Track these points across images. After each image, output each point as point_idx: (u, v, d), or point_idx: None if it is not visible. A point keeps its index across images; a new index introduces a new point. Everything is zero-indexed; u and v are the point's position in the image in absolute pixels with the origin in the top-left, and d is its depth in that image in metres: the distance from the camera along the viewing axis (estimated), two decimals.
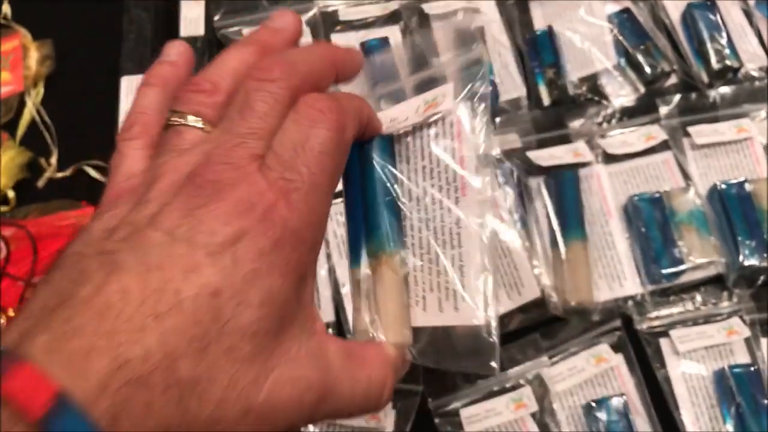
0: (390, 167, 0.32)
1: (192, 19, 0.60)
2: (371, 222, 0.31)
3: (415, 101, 0.34)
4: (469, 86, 0.33)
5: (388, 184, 0.32)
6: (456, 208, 0.31)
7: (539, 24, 0.61)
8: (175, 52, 0.32)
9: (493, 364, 0.29)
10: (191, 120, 0.27)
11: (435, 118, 0.32)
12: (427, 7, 0.62)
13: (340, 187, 0.30)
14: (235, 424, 0.23)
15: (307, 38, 0.61)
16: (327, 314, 0.51)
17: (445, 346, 0.31)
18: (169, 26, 0.61)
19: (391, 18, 0.62)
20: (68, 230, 0.52)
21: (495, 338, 0.29)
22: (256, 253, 0.24)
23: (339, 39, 0.61)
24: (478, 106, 0.32)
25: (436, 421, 0.48)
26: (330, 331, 0.50)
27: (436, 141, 0.32)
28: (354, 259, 0.31)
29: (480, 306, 0.30)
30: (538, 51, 0.59)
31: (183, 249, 0.23)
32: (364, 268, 0.31)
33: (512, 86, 0.59)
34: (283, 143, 0.26)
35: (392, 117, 0.34)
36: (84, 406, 0.21)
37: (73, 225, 0.53)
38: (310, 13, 0.62)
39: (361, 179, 0.31)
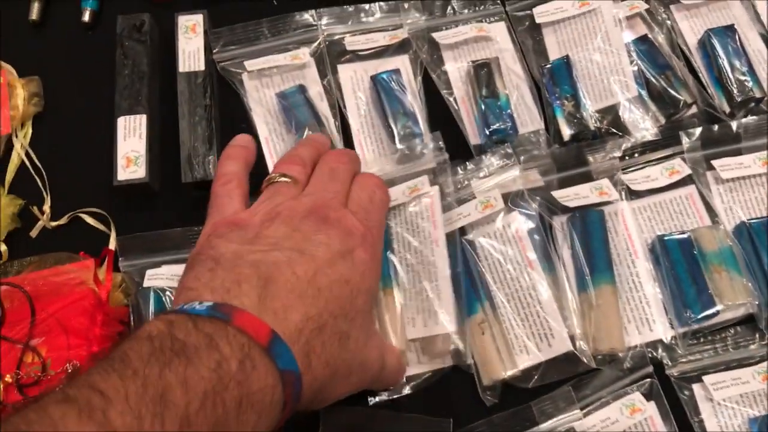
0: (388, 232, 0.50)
1: (190, 52, 0.56)
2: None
3: (402, 186, 0.52)
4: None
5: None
6: (432, 256, 0.50)
7: (553, 52, 0.59)
8: (245, 140, 0.49)
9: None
10: (291, 180, 0.44)
11: (416, 196, 0.52)
12: (437, 36, 0.59)
13: None
14: (354, 367, 0.38)
15: (313, 73, 0.58)
16: None
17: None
18: (167, 60, 0.57)
19: (401, 47, 0.59)
20: (68, 287, 0.49)
21: (460, 342, 0.48)
22: (363, 260, 0.39)
23: (345, 69, 0.58)
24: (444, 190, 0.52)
25: None
26: None
27: (418, 212, 0.52)
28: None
29: (453, 320, 0.48)
30: (555, 82, 0.57)
31: (323, 251, 0.38)
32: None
33: (529, 119, 0.57)
34: (358, 200, 0.44)
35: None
36: (288, 342, 0.33)
37: (73, 280, 0.49)
38: (315, 44, 0.59)
39: None
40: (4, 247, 0.51)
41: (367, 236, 0.41)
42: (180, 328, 0.31)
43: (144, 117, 0.53)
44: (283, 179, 0.43)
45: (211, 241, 0.39)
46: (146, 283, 0.50)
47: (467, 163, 0.54)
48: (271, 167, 0.55)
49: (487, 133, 0.55)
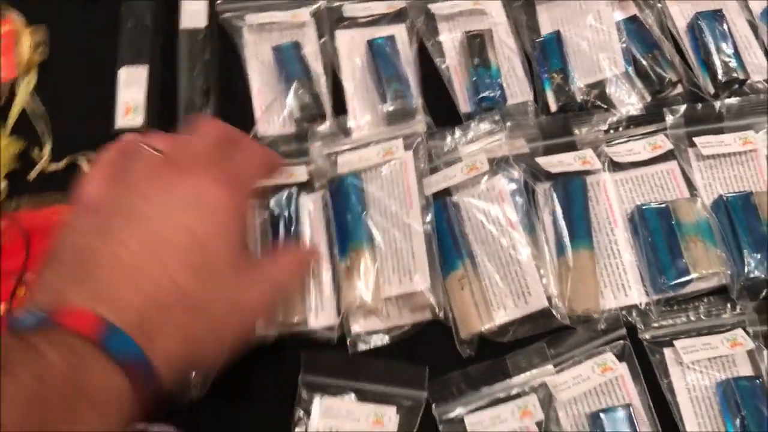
0: (362, 192, 0.53)
1: (193, 10, 0.58)
2: (352, 230, 0.51)
3: (375, 149, 0.54)
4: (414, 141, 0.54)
5: (360, 206, 0.52)
6: (407, 218, 0.52)
7: (546, 28, 0.61)
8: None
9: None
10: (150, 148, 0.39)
11: (390, 159, 0.54)
12: (433, 7, 0.61)
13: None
14: (228, 319, 0.36)
15: (311, 33, 0.60)
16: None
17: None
18: (169, 16, 0.59)
19: (397, 16, 0.61)
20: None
21: (436, 297, 0.49)
22: (211, 204, 0.36)
23: (343, 35, 0.60)
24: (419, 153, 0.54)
25: (441, 428, 0.47)
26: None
27: (391, 175, 0.54)
28: (341, 255, 0.51)
29: (426, 278, 0.49)
30: (545, 56, 0.58)
31: (159, 208, 0.35)
32: (348, 261, 0.50)
33: (519, 90, 0.58)
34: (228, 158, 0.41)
35: (360, 156, 0.54)
36: (126, 329, 0.31)
37: None
38: (315, 6, 0.60)
39: (342, 202, 0.52)
40: (4, 184, 0.52)
41: (219, 178, 0.37)
42: (5, 343, 0.29)
43: (145, 68, 0.55)
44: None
45: (57, 233, 0.36)
46: None
47: (455, 128, 0.56)
48: (259, 116, 0.57)
49: (477, 100, 0.56)
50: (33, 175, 0.54)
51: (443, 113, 0.57)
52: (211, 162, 0.38)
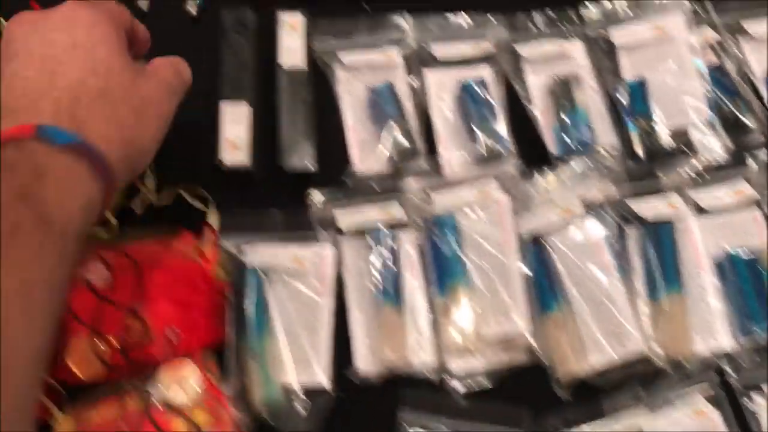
0: (459, 232, 0.55)
1: (291, 49, 0.59)
2: (450, 268, 0.53)
3: (470, 189, 0.56)
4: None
5: (457, 245, 0.54)
6: (504, 258, 0.54)
7: (627, 71, 0.62)
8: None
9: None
10: None
11: (486, 200, 0.56)
12: (520, 49, 0.62)
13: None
14: (138, 104, 0.43)
15: (401, 71, 0.62)
16: None
17: None
18: (267, 52, 0.60)
19: (485, 57, 0.62)
20: (172, 258, 0.52)
21: (534, 339, 0.52)
22: (73, 18, 0.43)
23: (433, 75, 0.62)
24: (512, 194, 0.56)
25: None
26: None
27: (489, 217, 0.55)
28: (440, 293, 0.53)
29: (524, 319, 0.52)
30: (631, 101, 0.60)
31: (52, 30, 0.42)
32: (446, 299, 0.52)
33: (605, 133, 0.60)
34: None
35: (456, 196, 0.56)
36: (55, 123, 0.37)
37: (177, 252, 0.52)
38: (405, 46, 0.62)
39: (440, 241, 0.54)
40: (113, 219, 0.54)
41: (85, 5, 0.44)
42: None
43: (246, 104, 0.57)
44: None
45: None
46: (247, 261, 0.53)
47: (546, 170, 0.57)
48: (355, 154, 0.58)
49: (566, 143, 0.58)
50: (138, 208, 0.55)
51: (532, 154, 0.59)
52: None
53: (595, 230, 0.55)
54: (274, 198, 0.56)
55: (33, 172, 0.35)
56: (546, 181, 0.57)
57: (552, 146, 0.59)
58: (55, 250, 0.35)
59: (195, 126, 0.58)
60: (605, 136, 0.60)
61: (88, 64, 0.41)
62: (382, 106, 0.58)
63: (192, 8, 0.63)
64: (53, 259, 0.35)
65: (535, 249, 0.54)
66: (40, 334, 0.34)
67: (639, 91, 0.60)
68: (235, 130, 0.56)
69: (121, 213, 0.55)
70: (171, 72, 0.47)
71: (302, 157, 0.56)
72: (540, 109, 0.61)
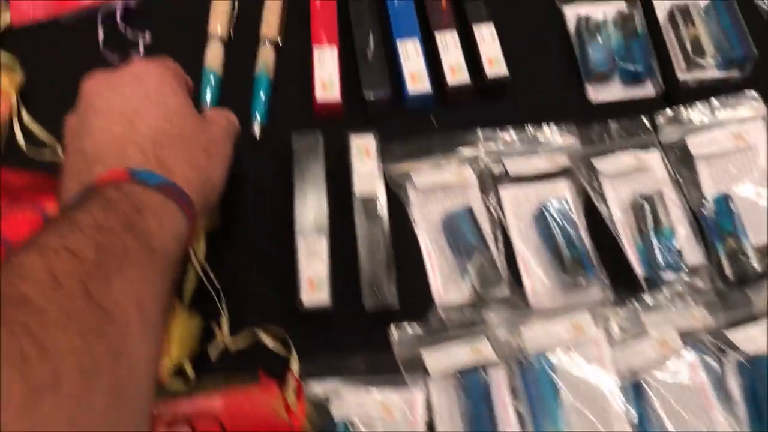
0: (554, 373, 0.52)
1: (365, 175, 0.57)
2: (547, 412, 0.51)
3: (563, 323, 0.54)
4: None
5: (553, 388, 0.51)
6: (604, 402, 0.51)
7: (707, 184, 0.60)
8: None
9: None
10: None
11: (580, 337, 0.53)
12: (597, 163, 0.60)
13: None
14: (206, 144, 0.47)
15: (475, 190, 0.59)
16: None
17: None
18: (340, 177, 0.58)
19: (561, 172, 0.60)
20: (258, 413, 0.49)
21: None
22: (142, 77, 0.48)
23: (508, 192, 0.60)
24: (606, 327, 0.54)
25: None
26: None
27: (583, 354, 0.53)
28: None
29: None
30: (716, 218, 0.58)
31: (120, 96, 0.46)
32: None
33: (691, 252, 0.58)
34: None
35: (547, 332, 0.53)
36: (146, 168, 0.43)
37: (262, 406, 0.50)
38: (478, 164, 0.60)
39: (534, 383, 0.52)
40: (190, 369, 0.51)
41: (150, 61, 0.49)
42: (85, 198, 0.40)
43: (324, 239, 0.54)
44: None
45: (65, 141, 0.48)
46: (333, 412, 0.50)
47: (637, 298, 0.55)
48: (435, 285, 0.56)
49: (653, 265, 0.56)
50: (214, 354, 0.53)
51: (618, 276, 0.56)
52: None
53: (694, 365, 0.52)
54: (355, 338, 0.54)
55: (133, 208, 0.40)
56: (637, 309, 0.55)
57: (638, 268, 0.57)
58: (158, 271, 0.39)
59: (270, 263, 0.56)
60: (693, 256, 0.58)
61: (162, 112, 0.45)
62: (461, 231, 0.56)
63: (257, 129, 0.60)
64: (158, 279, 0.39)
65: (634, 390, 0.52)
66: (153, 345, 0.38)
67: (724, 207, 0.58)
68: (313, 268, 0.54)
69: (197, 359, 0.53)
70: (226, 119, 0.52)
71: (384, 294, 0.54)
72: (622, 227, 0.59)
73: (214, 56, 0.63)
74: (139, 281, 0.37)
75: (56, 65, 0.64)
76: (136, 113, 0.45)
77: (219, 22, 0.64)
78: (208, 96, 0.61)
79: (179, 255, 0.43)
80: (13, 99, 0.61)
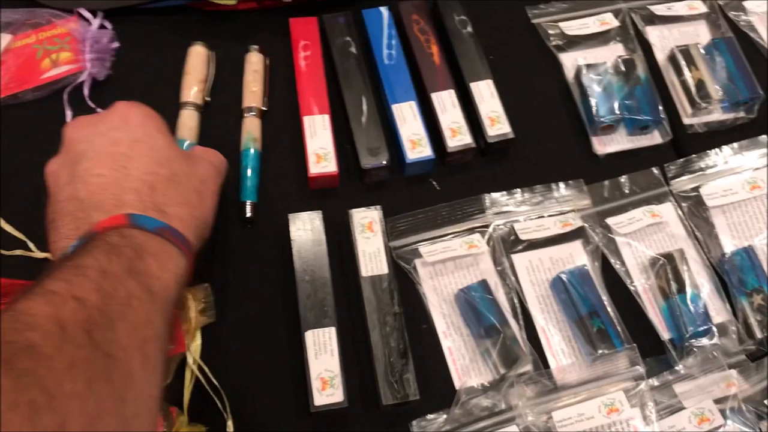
0: None
1: (371, 254, 0.53)
2: None
3: (595, 403, 0.51)
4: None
5: None
6: None
7: (725, 234, 0.58)
8: None
9: None
10: None
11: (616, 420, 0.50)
12: (612, 223, 0.57)
13: None
14: (197, 183, 0.48)
15: (486, 259, 0.56)
16: None
17: None
18: (345, 257, 0.54)
19: (574, 233, 0.57)
20: None
21: None
22: (127, 120, 0.48)
23: (520, 259, 0.56)
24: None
25: None
26: None
27: None
28: None
29: None
30: (739, 273, 0.55)
31: (104, 139, 0.47)
32: None
33: (716, 310, 0.55)
34: None
35: (579, 414, 0.50)
36: (141, 212, 0.43)
37: None
38: (487, 232, 0.56)
39: None
40: None
41: (133, 102, 0.49)
42: (87, 244, 0.40)
43: (333, 330, 0.50)
44: None
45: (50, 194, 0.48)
46: None
47: (671, 371, 0.52)
48: (452, 366, 0.52)
49: (679, 328, 0.53)
50: None
51: (644, 342, 0.53)
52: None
53: None
54: None
55: (135, 252, 0.40)
56: (670, 383, 0.52)
57: (664, 332, 0.54)
58: (159, 313, 0.40)
59: (275, 360, 0.52)
60: (719, 315, 0.55)
61: (152, 154, 0.46)
62: (477, 308, 0.53)
63: (249, 211, 0.56)
64: (158, 320, 0.39)
65: None
66: (154, 384, 0.38)
67: (746, 261, 0.56)
68: (324, 364, 0.49)
69: None
70: (213, 155, 0.52)
71: (402, 386, 0.49)
72: (643, 289, 0.56)
73: (187, 125, 0.58)
74: (142, 324, 0.38)
75: (20, 149, 0.59)
76: (128, 158, 0.45)
77: (193, 89, 0.59)
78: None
79: (179, 293, 0.43)
80: None
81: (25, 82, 0.60)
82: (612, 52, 0.64)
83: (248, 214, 0.56)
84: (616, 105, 0.60)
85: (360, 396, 0.51)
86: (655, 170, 0.60)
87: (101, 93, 0.61)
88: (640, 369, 0.52)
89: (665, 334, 0.54)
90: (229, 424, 0.49)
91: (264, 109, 0.60)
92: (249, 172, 0.57)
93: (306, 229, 0.54)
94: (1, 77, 0.60)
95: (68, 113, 0.59)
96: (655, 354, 0.54)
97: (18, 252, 0.54)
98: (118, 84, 0.61)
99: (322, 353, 0.50)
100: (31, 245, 0.54)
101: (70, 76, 0.60)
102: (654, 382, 0.52)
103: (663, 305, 0.55)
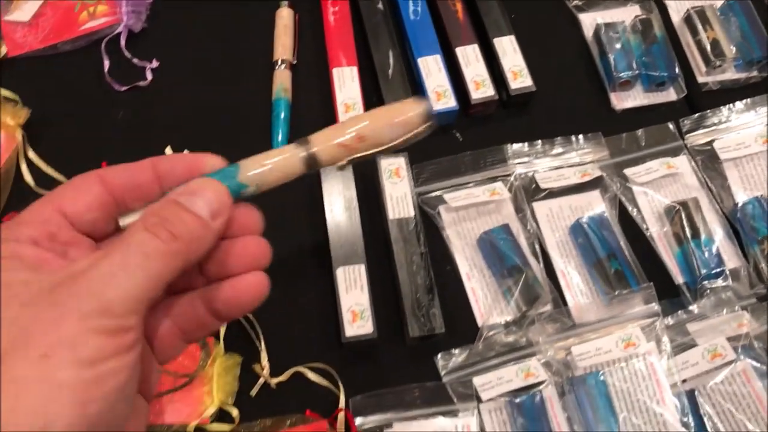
0: (606, 389, 0.51)
1: (398, 197, 0.55)
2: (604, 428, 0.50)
3: (612, 338, 0.52)
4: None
5: (607, 404, 0.50)
6: (660, 416, 0.50)
7: (737, 187, 0.60)
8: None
9: None
10: None
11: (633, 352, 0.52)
12: (628, 173, 0.59)
13: None
14: None
15: (508, 207, 0.58)
16: None
17: None
18: (373, 201, 0.56)
19: (593, 183, 0.59)
20: None
21: None
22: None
23: (541, 207, 0.59)
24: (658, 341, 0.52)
25: None
26: None
27: (636, 368, 0.52)
28: None
29: None
30: (750, 222, 0.57)
31: None
32: None
33: (728, 256, 0.57)
34: None
35: (597, 348, 0.52)
36: None
37: None
38: (509, 180, 0.59)
39: (588, 400, 0.50)
40: (235, 411, 0.49)
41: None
42: None
43: (362, 266, 0.52)
44: None
45: None
46: None
47: (684, 309, 0.54)
48: (475, 305, 0.55)
49: (693, 272, 0.55)
50: (254, 391, 0.51)
51: (659, 285, 0.55)
52: None
53: (747, 374, 0.52)
54: (402, 368, 0.52)
55: None
56: (679, 318, 0.54)
57: (679, 276, 0.56)
58: None
59: (307, 297, 0.54)
60: (731, 261, 0.57)
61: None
62: (500, 249, 0.55)
63: None
64: None
65: (689, 401, 0.51)
66: None
67: (757, 209, 0.58)
68: (354, 298, 0.52)
69: (240, 400, 0.50)
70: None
71: (429, 320, 0.52)
72: (658, 236, 0.58)
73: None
74: None
75: (60, 98, 0.61)
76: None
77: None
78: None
79: None
80: (19, 136, 0.58)
81: (64, 33, 0.63)
82: (629, 13, 0.66)
83: None
84: (633, 62, 0.62)
85: (388, 330, 0.53)
86: (670, 125, 0.62)
87: (136, 44, 0.63)
88: (656, 306, 0.54)
89: (679, 278, 0.56)
90: (263, 354, 0.52)
91: (293, 62, 0.62)
92: (280, 120, 0.59)
93: (336, 174, 0.56)
94: (41, 29, 0.62)
95: (106, 63, 0.62)
96: (669, 297, 0.56)
97: None
98: (153, 36, 0.63)
99: (353, 288, 0.52)
100: None
101: (107, 28, 0.63)
102: (668, 321, 0.54)
103: (677, 251, 0.57)
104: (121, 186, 0.30)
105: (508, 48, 0.61)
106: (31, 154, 0.58)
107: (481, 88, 0.60)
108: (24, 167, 0.58)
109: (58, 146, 0.59)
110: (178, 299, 0.32)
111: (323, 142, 0.32)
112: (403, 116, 0.33)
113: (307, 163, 0.32)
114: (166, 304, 0.32)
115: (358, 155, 0.33)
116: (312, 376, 0.51)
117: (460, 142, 0.61)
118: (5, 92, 0.60)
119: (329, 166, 0.33)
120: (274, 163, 0.32)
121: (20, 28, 0.63)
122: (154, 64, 0.62)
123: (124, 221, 0.31)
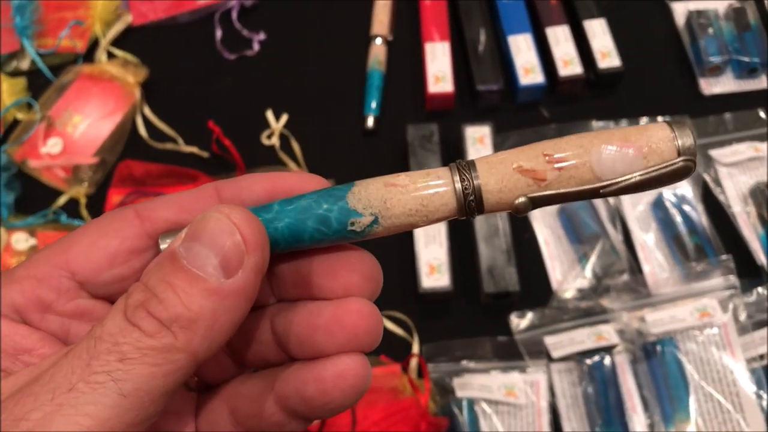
0: (680, 357, 0.51)
1: None
2: (675, 399, 0.50)
3: (687, 308, 0.53)
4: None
5: (681, 372, 0.50)
6: (735, 387, 0.50)
7: None
8: None
9: None
10: None
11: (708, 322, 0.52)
12: (714, 154, 0.60)
13: None
14: None
15: None
16: None
17: None
18: None
19: None
20: (383, 394, 0.50)
21: None
22: None
23: None
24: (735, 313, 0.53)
25: None
26: None
27: (711, 339, 0.52)
28: (666, 424, 0.49)
29: None
30: None
31: None
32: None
33: None
34: None
35: (671, 316, 0.52)
36: None
37: (389, 387, 0.50)
38: None
39: (661, 368, 0.51)
40: None
41: None
42: None
43: (443, 224, 0.55)
44: None
45: None
46: (458, 393, 0.50)
47: (762, 287, 0.54)
48: (551, 270, 0.56)
49: None
50: None
51: (740, 264, 0.55)
52: None
53: None
54: (475, 323, 0.54)
55: None
56: (758, 297, 0.53)
57: (762, 256, 0.56)
58: None
59: (387, 250, 0.57)
60: None
61: None
62: (580, 217, 0.56)
63: (371, 121, 0.62)
64: None
65: (766, 375, 0.50)
66: None
67: None
68: (432, 252, 0.54)
69: None
70: None
71: (504, 279, 0.53)
72: (741, 216, 0.58)
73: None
74: None
75: (175, 62, 0.67)
76: None
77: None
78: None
79: None
80: (137, 93, 0.64)
81: (181, 6, 0.69)
82: (723, 4, 0.67)
83: (370, 125, 0.61)
84: (724, 47, 0.63)
85: (464, 288, 0.55)
86: (761, 112, 0.62)
87: (246, 18, 0.68)
88: (733, 278, 0.54)
89: (762, 258, 0.56)
90: None
91: (389, 39, 0.66)
92: (374, 89, 0.63)
93: (423, 137, 0.59)
94: (163, 1, 0.69)
95: (218, 33, 0.67)
96: (750, 277, 0.55)
97: (169, 146, 0.62)
98: (262, 11, 0.69)
99: (431, 243, 0.55)
100: (179, 140, 0.62)
101: (221, 3, 0.68)
102: (748, 299, 0.54)
103: (761, 232, 0.57)
104: (166, 223, 0.22)
105: (597, 30, 0.63)
106: (147, 111, 0.64)
107: (569, 66, 0.62)
108: (139, 121, 0.63)
109: (171, 105, 0.64)
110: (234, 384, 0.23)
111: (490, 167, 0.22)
112: (639, 141, 0.21)
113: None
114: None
115: (549, 192, 0.22)
116: (389, 324, 0.54)
117: (546, 118, 0.63)
118: (128, 56, 0.66)
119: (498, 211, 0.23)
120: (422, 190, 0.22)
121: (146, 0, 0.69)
122: (262, 36, 0.67)
123: (166, 241, 0.22)
